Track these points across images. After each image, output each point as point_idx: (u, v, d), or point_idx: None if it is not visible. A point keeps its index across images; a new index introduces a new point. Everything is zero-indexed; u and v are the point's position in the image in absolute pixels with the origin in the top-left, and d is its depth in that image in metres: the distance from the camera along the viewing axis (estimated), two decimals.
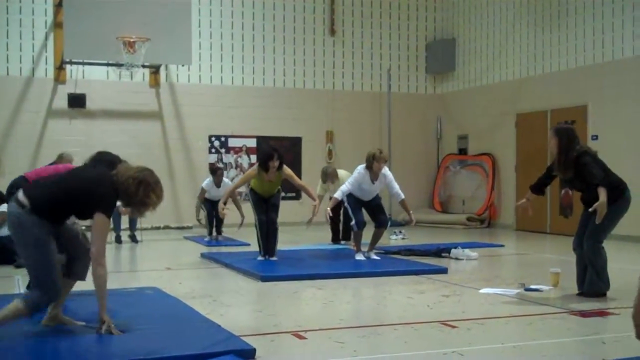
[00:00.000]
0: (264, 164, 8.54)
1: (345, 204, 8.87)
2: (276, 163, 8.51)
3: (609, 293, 6.30)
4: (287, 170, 8.67)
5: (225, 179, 11.66)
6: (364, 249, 8.87)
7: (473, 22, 15.35)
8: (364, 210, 8.88)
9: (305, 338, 4.79)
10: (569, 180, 6.34)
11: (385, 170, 8.72)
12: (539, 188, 6.75)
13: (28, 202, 4.52)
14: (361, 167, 8.70)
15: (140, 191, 4.78)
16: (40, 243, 4.51)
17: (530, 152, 13.65)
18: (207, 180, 11.52)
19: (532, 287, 6.74)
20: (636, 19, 11.48)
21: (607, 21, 12.01)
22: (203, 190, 11.51)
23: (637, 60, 11.31)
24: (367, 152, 8.76)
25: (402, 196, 8.87)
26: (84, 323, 4.96)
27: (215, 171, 11.61)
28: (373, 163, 8.60)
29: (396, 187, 8.81)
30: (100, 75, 13.64)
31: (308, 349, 4.57)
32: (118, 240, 11.32)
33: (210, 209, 11.45)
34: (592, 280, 6.26)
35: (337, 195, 8.76)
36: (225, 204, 8.74)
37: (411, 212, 8.97)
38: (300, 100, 14.83)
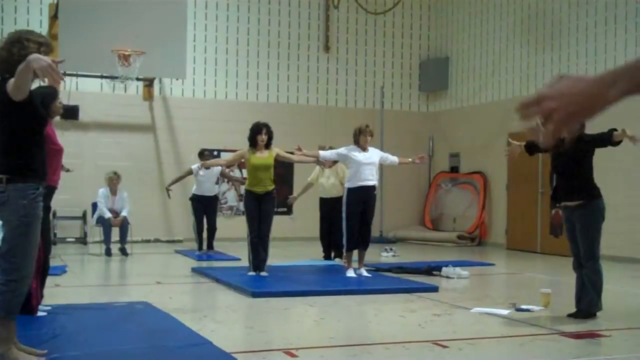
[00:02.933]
0: (252, 139, 8.62)
1: (344, 213, 8.79)
2: (265, 137, 8.58)
3: (599, 314, 6.31)
4: (276, 149, 8.73)
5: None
6: (354, 265, 8.85)
7: (467, 42, 15.44)
8: None
9: (296, 356, 4.77)
10: (561, 156, 6.31)
11: (374, 149, 8.91)
12: (532, 147, 6.79)
13: None
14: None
15: (15, 49, 4.18)
16: None
17: (521, 170, 13.70)
18: (195, 165, 11.45)
19: (523, 307, 6.74)
20: (629, 41, 11.58)
21: (600, 43, 12.11)
22: (190, 170, 11.50)
23: None
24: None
25: (396, 158, 9.11)
26: (45, 352, 4.46)
27: (202, 153, 11.68)
28: (359, 137, 8.72)
29: (389, 155, 9.11)
30: (94, 88, 13.63)
31: None
32: (108, 253, 11.26)
33: (200, 217, 11.43)
34: (593, 300, 6.27)
35: (321, 153, 8.87)
36: (207, 169, 8.75)
37: (410, 159, 9.18)
38: (294, 115, 14.84)
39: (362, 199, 8.64)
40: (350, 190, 8.69)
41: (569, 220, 6.41)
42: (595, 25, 12.20)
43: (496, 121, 14.35)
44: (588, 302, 6.30)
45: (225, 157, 8.88)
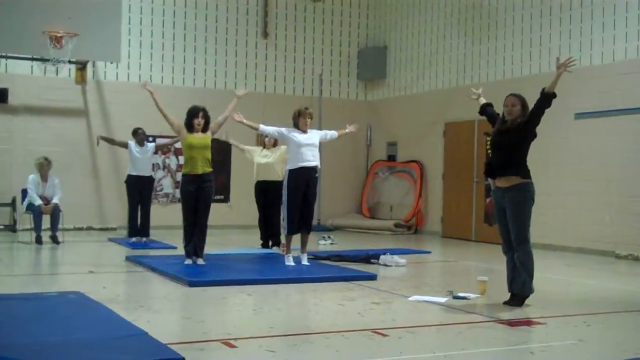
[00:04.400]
0: (188, 122, 8.49)
1: (284, 196, 8.67)
2: (201, 121, 8.46)
3: (533, 302, 6.43)
4: (212, 128, 8.61)
5: (148, 143, 11.64)
6: (295, 254, 8.77)
7: (405, 31, 15.51)
8: None
9: (235, 346, 4.69)
10: (506, 133, 6.39)
11: (313, 130, 8.87)
12: (485, 110, 7.02)
13: None
14: None
15: None
16: None
17: (457, 160, 13.88)
18: (132, 143, 11.42)
19: (460, 294, 6.81)
20: (563, 34, 11.81)
21: (535, 35, 12.32)
22: (125, 143, 11.46)
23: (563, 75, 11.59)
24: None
25: (335, 132, 9.13)
26: None
27: (136, 131, 11.50)
28: (299, 119, 8.69)
29: (327, 131, 9.15)
30: (25, 70, 13.18)
31: (238, 357, 4.48)
32: (38, 240, 10.94)
33: (135, 200, 11.22)
34: (526, 283, 6.39)
35: (261, 126, 8.80)
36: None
37: (347, 130, 9.19)
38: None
39: (303, 180, 8.54)
40: (291, 171, 8.59)
41: (499, 203, 6.50)
42: (531, 17, 12.40)
43: (433, 110, 14.48)
44: (521, 285, 6.42)
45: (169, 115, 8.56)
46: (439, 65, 14.50)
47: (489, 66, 13.26)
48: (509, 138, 6.38)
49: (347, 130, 9.23)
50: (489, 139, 12.66)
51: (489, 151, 6.81)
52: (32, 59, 12.72)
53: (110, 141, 11.88)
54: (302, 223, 8.68)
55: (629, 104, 10.65)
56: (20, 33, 11.60)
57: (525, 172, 6.39)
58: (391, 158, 15.76)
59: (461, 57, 13.94)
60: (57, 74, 12.85)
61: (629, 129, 10.65)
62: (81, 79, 13.41)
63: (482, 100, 7.14)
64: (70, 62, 12.37)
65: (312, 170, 8.62)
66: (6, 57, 12.75)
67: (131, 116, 13.57)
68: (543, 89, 6.28)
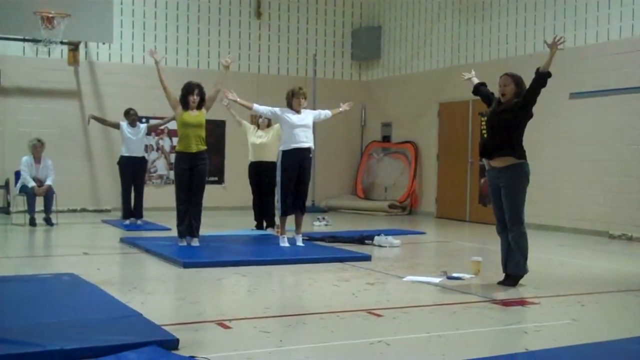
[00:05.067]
0: (183, 99, 8.40)
1: (278, 177, 8.64)
2: (196, 98, 8.39)
3: (527, 282, 6.45)
4: (206, 105, 8.52)
5: (140, 124, 11.51)
6: (289, 235, 8.77)
7: (399, 11, 15.43)
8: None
9: (229, 327, 4.69)
10: (502, 113, 6.37)
11: (307, 110, 8.81)
12: (478, 89, 6.98)
13: None
14: None
15: None
16: None
17: (451, 141, 13.87)
18: (123, 124, 11.33)
19: (454, 275, 6.82)
20: (558, 13, 11.76)
21: (530, 14, 12.26)
22: (117, 124, 11.38)
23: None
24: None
25: (329, 112, 9.06)
26: None
27: (128, 112, 11.42)
28: (292, 99, 8.64)
29: (321, 111, 9.08)
30: (16, 51, 13.06)
31: (233, 338, 4.47)
32: (32, 222, 10.92)
33: (128, 182, 11.18)
34: (520, 263, 6.41)
35: (255, 105, 8.73)
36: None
37: (340, 109, 9.17)
38: (224, 82, 14.54)
39: (297, 161, 8.50)
40: (285, 152, 8.56)
41: (494, 184, 6.49)
42: None
43: (427, 91, 14.44)
44: (515, 265, 6.43)
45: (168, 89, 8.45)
46: (434, 45, 14.44)
47: (484, 46, 13.20)
48: (504, 118, 6.36)
49: (341, 109, 9.20)
50: (483, 119, 12.66)
51: (484, 132, 6.80)
52: (24, 40, 12.60)
53: (102, 121, 11.78)
54: (297, 204, 8.66)
55: (624, 84, 10.63)
56: (12, 14, 11.50)
57: (520, 153, 6.38)
58: (386, 139, 15.73)
59: (456, 37, 13.88)
60: (49, 55, 12.75)
61: (624, 109, 10.64)
62: (73, 60, 13.31)
63: (475, 80, 7.09)
64: (62, 43, 12.29)
65: (306, 151, 8.59)
66: None
67: (124, 97, 13.49)
68: (538, 69, 6.25)
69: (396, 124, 15.45)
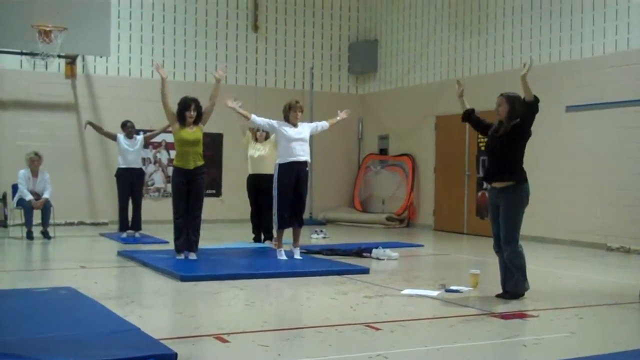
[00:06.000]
0: (180, 114, 8.37)
1: (275, 190, 8.66)
2: (193, 113, 8.36)
3: (526, 295, 6.44)
4: (203, 120, 8.50)
5: (137, 136, 11.47)
6: (287, 248, 8.76)
7: (395, 24, 15.49)
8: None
9: (228, 341, 4.68)
10: (499, 139, 6.38)
11: (303, 123, 8.85)
12: (469, 116, 6.93)
13: None
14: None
15: None
16: None
17: (449, 153, 13.89)
18: (120, 136, 11.33)
19: (453, 288, 6.82)
20: (553, 27, 11.81)
21: (526, 28, 12.32)
22: (114, 135, 11.35)
23: (552, 67, 11.64)
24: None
25: (326, 123, 9.03)
26: None
27: (125, 124, 11.40)
28: (289, 112, 8.66)
29: (318, 123, 9.07)
30: (14, 65, 13.09)
31: (231, 352, 4.47)
32: (29, 236, 10.89)
33: (126, 194, 11.16)
34: (518, 281, 6.40)
35: (253, 116, 8.71)
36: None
37: (338, 118, 9.11)
38: (221, 95, 14.53)
39: (293, 175, 8.52)
40: (281, 166, 8.58)
41: (494, 203, 6.50)
42: (521, 9, 12.38)
43: (424, 104, 14.48)
44: (514, 284, 6.42)
45: (168, 105, 8.39)
46: (430, 58, 14.49)
47: (480, 59, 13.25)
48: (501, 144, 6.38)
49: (338, 118, 9.18)
50: (481, 141, 12.69)
51: (482, 147, 6.81)
52: (21, 54, 12.62)
53: (98, 129, 11.73)
54: (294, 217, 8.66)
55: (620, 97, 10.66)
56: (9, 27, 11.53)
57: (520, 177, 6.40)
58: (383, 151, 15.75)
59: (452, 50, 13.93)
60: (46, 68, 12.82)
61: (620, 122, 10.67)
62: (71, 74, 13.33)
63: (467, 105, 7.04)
64: (59, 56, 12.31)
65: (302, 164, 8.60)
66: None
67: (121, 110, 13.49)
68: (524, 99, 6.26)
69: (393, 136, 15.47)
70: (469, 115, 6.94)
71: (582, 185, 11.17)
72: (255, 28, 15.25)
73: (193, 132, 8.40)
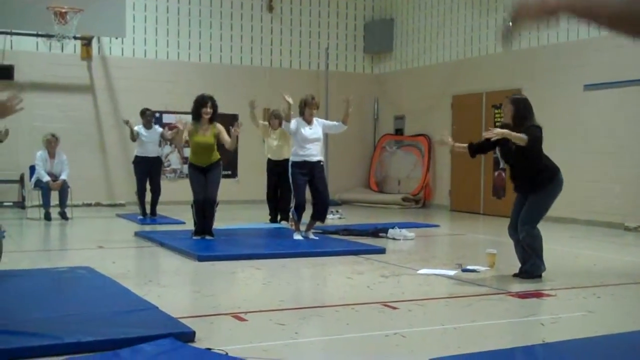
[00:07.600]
0: (196, 112, 8.40)
1: (291, 183, 8.71)
2: (209, 110, 8.38)
3: (543, 274, 6.41)
4: (219, 125, 8.51)
5: (156, 127, 11.34)
6: (302, 228, 8.78)
7: (411, 3, 15.37)
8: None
9: (245, 320, 4.71)
10: (508, 149, 6.35)
11: (318, 119, 8.77)
12: (475, 150, 6.82)
13: None
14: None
15: None
16: None
17: (465, 133, 13.76)
18: (139, 126, 11.18)
19: (469, 267, 6.81)
20: None
21: None
22: (135, 132, 11.16)
23: (570, 45, 11.52)
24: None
25: (342, 124, 8.74)
26: None
27: (144, 112, 11.27)
28: (305, 109, 8.63)
29: (332, 123, 8.94)
30: (30, 47, 13.13)
31: (248, 330, 4.48)
32: (47, 217, 10.98)
33: (144, 180, 11.15)
34: (535, 262, 6.36)
35: (292, 121, 8.57)
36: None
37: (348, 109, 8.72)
38: (237, 76, 14.59)
39: (307, 171, 8.60)
40: (294, 162, 8.65)
41: (524, 196, 6.41)
42: None
43: (440, 83, 14.39)
44: (531, 265, 6.38)
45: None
46: (446, 38, 14.38)
47: (496, 38, 13.13)
48: (517, 160, 6.32)
49: (349, 110, 8.73)
50: (498, 112, 12.63)
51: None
52: (37, 35, 12.67)
53: (130, 129, 11.49)
54: (317, 213, 8.66)
55: (639, 75, 10.54)
56: (25, 9, 11.55)
57: (548, 177, 6.30)
58: (399, 132, 15.69)
59: (468, 29, 13.82)
60: (62, 50, 12.84)
61: (639, 100, 10.55)
62: (86, 55, 13.38)
63: (463, 145, 6.88)
64: (75, 38, 12.32)
65: (315, 164, 8.66)
66: (11, 34, 12.71)
67: (136, 92, 13.56)
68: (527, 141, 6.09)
69: (409, 116, 15.41)
70: (475, 150, 6.81)
71: (600, 164, 11.08)
72: (270, 8, 15.19)
73: (206, 138, 8.41)
